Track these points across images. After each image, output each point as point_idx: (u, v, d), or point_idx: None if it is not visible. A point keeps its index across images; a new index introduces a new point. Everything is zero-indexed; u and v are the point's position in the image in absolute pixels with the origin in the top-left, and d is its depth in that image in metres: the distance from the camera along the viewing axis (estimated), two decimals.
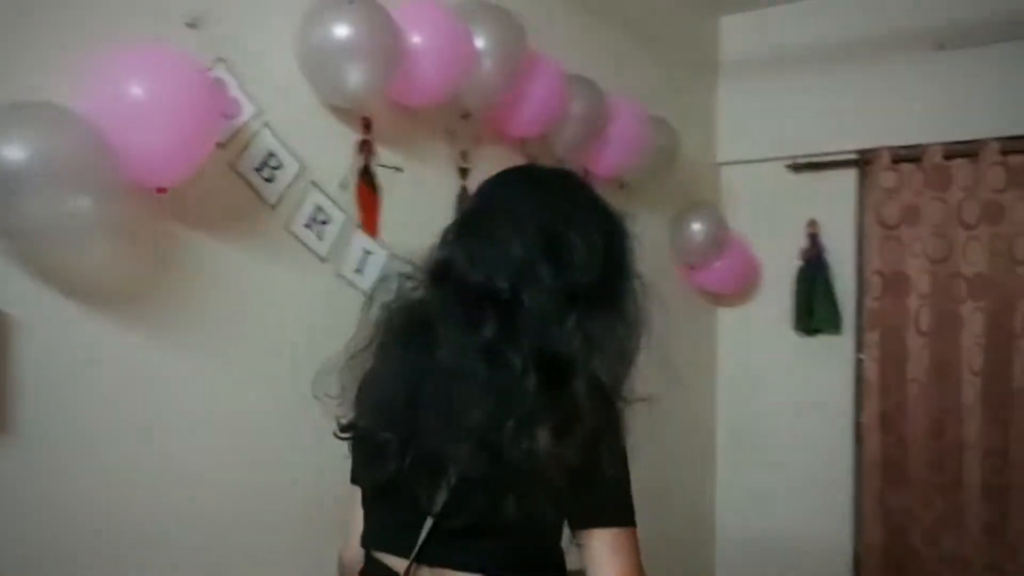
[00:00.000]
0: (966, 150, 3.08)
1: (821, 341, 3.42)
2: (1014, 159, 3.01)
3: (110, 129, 1.41)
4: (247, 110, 1.89)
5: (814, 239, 3.39)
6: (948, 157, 3.11)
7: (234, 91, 1.86)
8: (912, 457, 3.20)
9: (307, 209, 2.06)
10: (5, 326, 1.46)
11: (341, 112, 2.10)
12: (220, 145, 1.81)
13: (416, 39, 2.05)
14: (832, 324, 3.38)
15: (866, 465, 3.28)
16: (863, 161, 3.30)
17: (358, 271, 2.19)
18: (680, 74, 3.48)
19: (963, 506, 3.10)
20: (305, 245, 2.06)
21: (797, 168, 3.43)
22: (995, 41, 3.01)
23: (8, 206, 1.30)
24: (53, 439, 1.57)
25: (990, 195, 3.04)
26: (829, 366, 3.41)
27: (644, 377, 3.02)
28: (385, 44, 1.94)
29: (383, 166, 2.20)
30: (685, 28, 3.54)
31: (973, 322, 3.06)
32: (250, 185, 1.93)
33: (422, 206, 2.32)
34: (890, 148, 3.22)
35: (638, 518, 1.40)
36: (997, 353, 3.03)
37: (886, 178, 3.22)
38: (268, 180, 1.97)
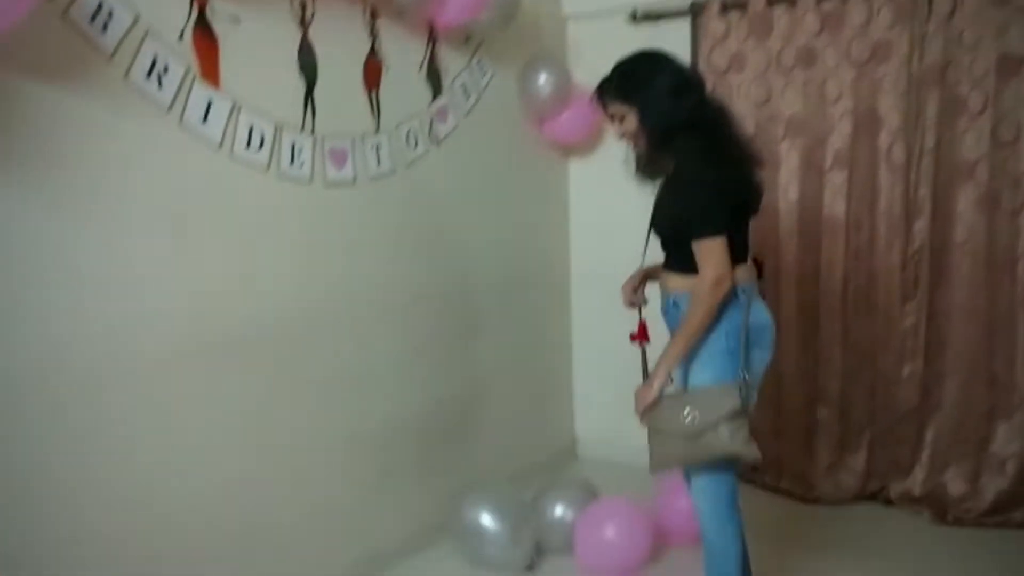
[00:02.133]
0: None
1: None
2: (827, 5, 3.25)
3: None
4: None
5: None
6: (770, 4, 3.33)
7: None
8: None
9: (145, 59, 2.09)
10: None
11: None
12: None
13: None
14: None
15: None
16: (695, 10, 3.49)
17: (203, 121, 2.25)
18: None
19: (781, 323, 3.49)
20: (146, 95, 2.10)
21: (636, 19, 3.60)
22: None
23: None
24: None
25: (805, 40, 3.30)
26: None
27: (502, 228, 3.19)
28: None
29: (219, 15, 2.23)
30: None
31: (789, 159, 3.38)
32: (84, 35, 1.95)
33: (262, 56, 2.38)
34: None
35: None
36: (810, 187, 3.37)
37: (716, 26, 3.44)
38: (103, 30, 1.98)
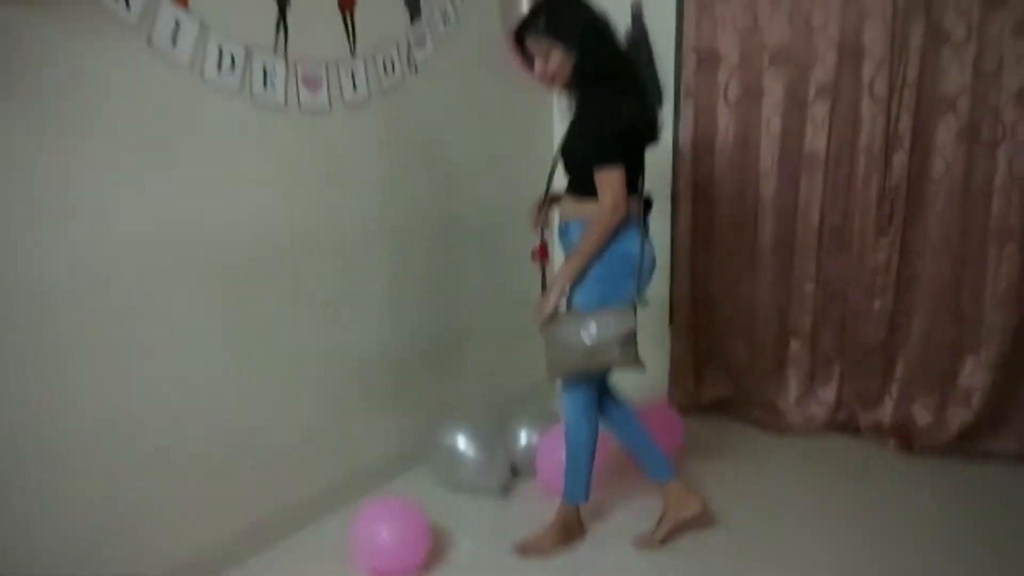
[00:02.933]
0: None
1: None
2: None
3: None
4: None
5: (637, 20, 3.55)
6: None
7: None
8: (717, 219, 3.57)
9: None
10: None
11: None
12: None
13: None
14: (656, 99, 3.58)
15: (679, 229, 3.63)
16: None
17: (172, 42, 2.22)
18: None
19: (757, 260, 3.52)
20: (111, 12, 2.07)
21: None
22: None
23: None
24: None
25: None
26: None
27: (485, 158, 3.17)
28: None
29: None
30: None
31: (772, 91, 3.35)
32: None
33: None
34: None
35: None
36: (792, 120, 3.35)
37: None
38: None
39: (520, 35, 2.37)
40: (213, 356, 2.43)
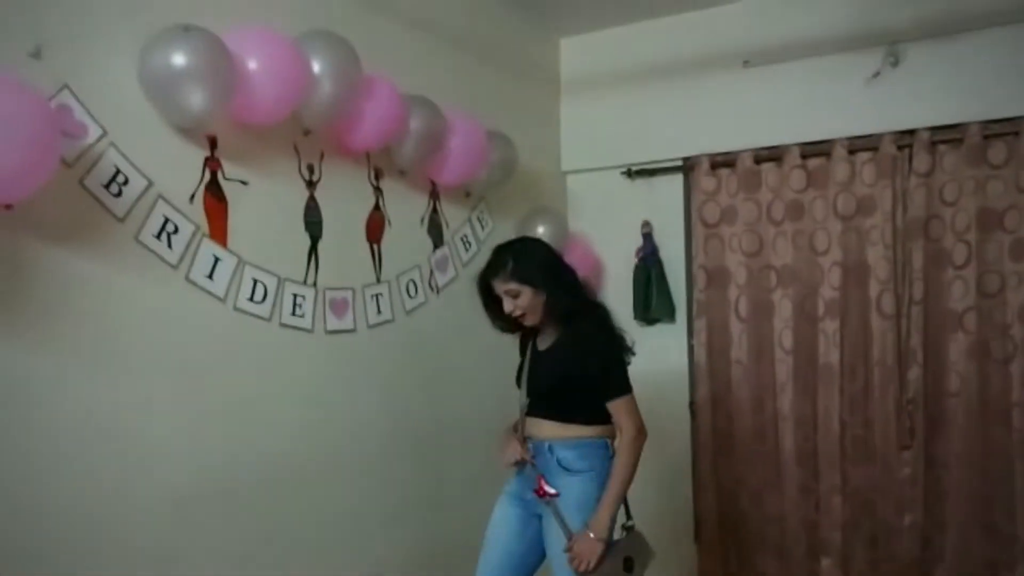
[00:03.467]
0: (772, 155, 3.50)
1: (659, 329, 3.79)
2: (812, 163, 3.43)
3: None
4: (93, 132, 2.06)
5: (648, 238, 3.75)
6: (758, 162, 3.52)
7: (80, 115, 2.03)
8: (738, 430, 3.58)
9: (156, 221, 2.23)
10: None
11: (187, 131, 2.29)
12: (67, 164, 1.99)
13: (252, 64, 2.27)
14: (668, 314, 3.75)
15: (700, 441, 3.64)
16: (687, 167, 3.68)
17: (209, 276, 2.38)
18: (527, 92, 3.81)
19: (781, 470, 3.49)
20: (155, 253, 2.24)
21: (631, 174, 3.79)
22: (793, 59, 3.43)
23: None
24: None
25: (793, 195, 3.45)
26: (667, 352, 3.77)
27: (501, 373, 3.25)
28: (220, 69, 2.15)
29: (229, 179, 2.41)
30: (529, 50, 3.87)
31: (782, 308, 3.47)
32: (98, 200, 2.09)
33: (270, 216, 2.54)
34: (709, 155, 3.61)
35: None
36: (803, 334, 3.44)
37: (707, 182, 3.61)
38: (116, 195, 2.14)
39: (486, 280, 2.51)
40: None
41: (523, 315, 2.48)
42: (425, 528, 3.12)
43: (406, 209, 3.07)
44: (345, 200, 2.81)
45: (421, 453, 3.11)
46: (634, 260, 3.77)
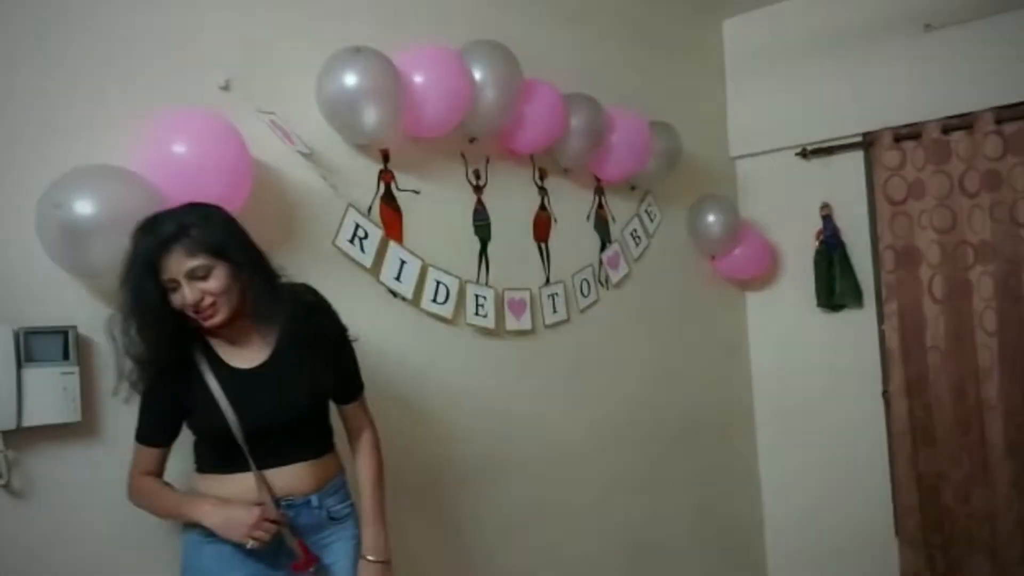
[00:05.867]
0: (962, 123, 3.23)
1: (845, 316, 3.60)
2: (1009, 127, 3.14)
3: (160, 182, 1.78)
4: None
5: (828, 220, 3.57)
6: (946, 131, 3.26)
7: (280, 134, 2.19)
8: (938, 420, 3.34)
9: (348, 227, 2.37)
10: (89, 345, 1.84)
11: (364, 147, 2.43)
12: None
13: (419, 79, 2.38)
14: (854, 299, 3.56)
15: (896, 432, 3.42)
16: (867, 142, 3.47)
17: (398, 279, 2.49)
18: (690, 78, 3.73)
19: (989, 464, 3.22)
20: (350, 257, 2.37)
21: (806, 155, 3.62)
22: (978, 17, 3.16)
23: (81, 251, 1.67)
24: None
25: (988, 164, 3.18)
26: (854, 339, 3.58)
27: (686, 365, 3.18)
28: (390, 87, 2.27)
29: (402, 190, 2.53)
30: (690, 35, 3.79)
31: (983, 286, 3.20)
32: (296, 208, 2.26)
33: (440, 222, 2.65)
34: (891, 128, 3.38)
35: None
36: (1008, 314, 3.16)
37: (890, 157, 3.39)
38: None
39: (148, 259, 1.63)
40: None
41: (211, 308, 1.68)
42: (609, 529, 3.13)
43: (572, 207, 3.09)
44: (511, 202, 2.88)
45: (602, 455, 3.13)
46: (813, 245, 3.60)
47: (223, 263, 1.67)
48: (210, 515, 1.70)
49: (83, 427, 1.82)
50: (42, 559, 1.77)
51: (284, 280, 1.79)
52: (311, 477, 1.81)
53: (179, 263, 1.63)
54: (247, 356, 1.78)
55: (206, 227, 1.66)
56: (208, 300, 1.67)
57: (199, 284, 1.65)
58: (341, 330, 1.90)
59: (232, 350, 1.78)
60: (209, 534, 1.72)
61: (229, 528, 1.68)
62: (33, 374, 1.72)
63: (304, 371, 1.78)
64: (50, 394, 1.74)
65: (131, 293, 1.63)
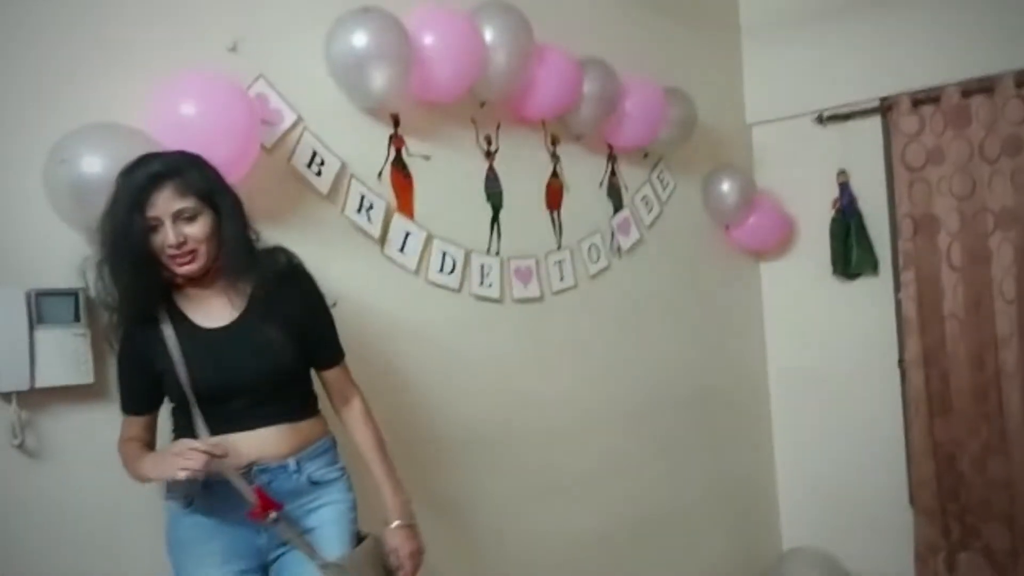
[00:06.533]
0: (982, 87, 3.17)
1: (860, 284, 3.57)
2: None
3: (168, 142, 1.77)
4: (289, 118, 2.22)
5: (844, 188, 3.53)
6: (966, 95, 3.20)
7: (275, 102, 2.18)
8: (955, 389, 3.30)
9: (355, 197, 2.36)
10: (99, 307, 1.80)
11: (372, 111, 2.40)
12: (266, 150, 2.14)
13: (429, 41, 2.35)
14: (870, 267, 3.52)
15: (912, 400, 3.39)
16: (885, 108, 3.41)
17: (401, 250, 2.49)
18: (705, 43, 3.68)
19: (1007, 433, 3.19)
20: (359, 228, 2.36)
21: (823, 120, 3.57)
22: None
23: (86, 207, 1.67)
24: None
25: (1010, 128, 3.12)
26: (870, 307, 3.55)
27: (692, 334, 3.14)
28: (399, 48, 2.25)
29: (412, 155, 2.51)
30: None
31: (1002, 253, 3.15)
32: (304, 180, 2.24)
33: (452, 188, 2.63)
34: (909, 93, 3.33)
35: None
36: None
37: (908, 122, 3.33)
38: (318, 175, 2.29)
39: (136, 198, 1.60)
40: None
41: (191, 254, 1.65)
42: (623, 496, 3.13)
43: (584, 174, 3.06)
44: (523, 169, 2.85)
45: (613, 423, 3.12)
46: (830, 213, 3.56)
47: (209, 211, 1.66)
48: (148, 466, 1.66)
49: (96, 388, 1.82)
50: (55, 518, 1.78)
51: (260, 246, 1.79)
52: (285, 442, 1.75)
53: (168, 202, 1.61)
54: (214, 315, 1.73)
55: (198, 172, 1.66)
56: (189, 244, 1.64)
57: (183, 227, 1.63)
58: (317, 293, 1.86)
59: (200, 309, 1.74)
60: (186, 506, 1.72)
61: (162, 468, 1.62)
62: (45, 336, 1.72)
63: (272, 332, 1.72)
64: (62, 356, 1.74)
65: (114, 228, 1.59)
